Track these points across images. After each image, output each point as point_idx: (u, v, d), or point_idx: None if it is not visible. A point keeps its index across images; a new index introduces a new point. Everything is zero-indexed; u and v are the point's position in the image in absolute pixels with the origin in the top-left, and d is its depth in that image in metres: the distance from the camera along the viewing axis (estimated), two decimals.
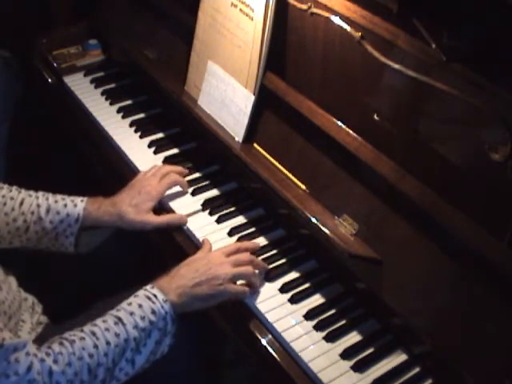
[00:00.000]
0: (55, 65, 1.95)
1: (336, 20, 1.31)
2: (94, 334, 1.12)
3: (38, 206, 1.39)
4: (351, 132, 1.29)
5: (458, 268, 1.12)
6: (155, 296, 1.19)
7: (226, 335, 1.36)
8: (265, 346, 1.23)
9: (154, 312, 1.17)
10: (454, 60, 1.13)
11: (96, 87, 1.90)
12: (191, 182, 1.56)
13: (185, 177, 1.57)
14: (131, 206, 1.42)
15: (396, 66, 1.20)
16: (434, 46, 1.15)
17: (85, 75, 1.94)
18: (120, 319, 1.15)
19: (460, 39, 1.16)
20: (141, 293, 1.20)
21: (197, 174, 1.60)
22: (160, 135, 1.73)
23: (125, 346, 1.13)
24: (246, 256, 1.32)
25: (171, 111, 1.76)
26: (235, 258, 1.30)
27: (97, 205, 1.43)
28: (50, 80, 1.95)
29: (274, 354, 1.22)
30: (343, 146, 1.30)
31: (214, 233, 1.44)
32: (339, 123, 1.32)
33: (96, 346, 1.10)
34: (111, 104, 1.83)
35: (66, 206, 1.41)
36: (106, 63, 2.00)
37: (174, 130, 1.75)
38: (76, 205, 1.41)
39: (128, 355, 1.14)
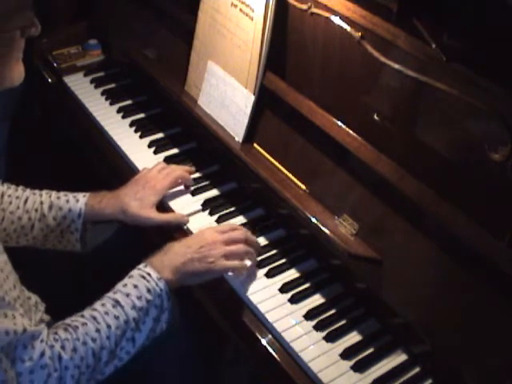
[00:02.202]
0: (55, 65, 1.95)
1: (336, 20, 1.31)
2: (94, 318, 1.16)
3: (42, 203, 1.41)
4: (351, 132, 1.29)
5: (457, 268, 1.12)
6: (149, 275, 1.22)
7: (226, 335, 1.36)
8: (265, 346, 1.23)
9: (149, 291, 1.20)
10: (453, 60, 1.13)
11: (96, 87, 1.90)
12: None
13: None
14: (135, 200, 1.43)
15: (396, 66, 1.20)
16: (434, 45, 1.15)
17: (85, 75, 1.94)
18: (118, 302, 1.18)
19: (460, 39, 1.16)
20: (135, 272, 1.23)
21: (197, 174, 1.60)
22: (160, 135, 1.73)
23: (125, 327, 1.17)
24: (238, 233, 1.34)
25: (171, 111, 1.76)
26: (228, 235, 1.32)
27: (99, 198, 1.44)
28: (50, 80, 1.95)
29: (274, 353, 1.22)
30: (343, 146, 1.30)
31: None
32: (339, 123, 1.32)
33: (98, 331, 1.14)
34: (111, 104, 1.83)
35: (68, 201, 1.42)
36: (105, 63, 2.00)
37: (174, 130, 1.75)
38: (78, 200, 1.43)
39: (128, 335, 1.18)
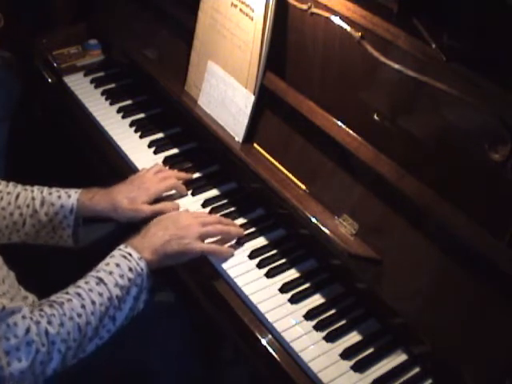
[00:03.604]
0: (55, 65, 1.95)
1: (336, 20, 1.31)
2: (79, 294, 1.18)
3: (33, 198, 1.42)
4: (351, 132, 1.29)
5: (457, 268, 1.12)
6: (130, 254, 1.26)
7: (226, 335, 1.36)
8: (265, 346, 1.23)
9: (131, 269, 1.24)
10: (453, 60, 1.13)
11: (96, 87, 1.90)
12: (191, 182, 1.56)
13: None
14: (127, 198, 1.44)
15: (396, 66, 1.20)
16: (434, 45, 1.15)
17: (85, 75, 1.94)
18: (101, 279, 1.21)
19: (460, 39, 1.16)
20: (116, 253, 1.27)
21: (197, 174, 1.60)
22: (160, 135, 1.73)
23: (108, 305, 1.20)
24: (213, 218, 1.39)
25: (171, 111, 1.76)
26: (202, 219, 1.37)
27: (91, 195, 1.45)
28: (50, 80, 1.95)
29: (274, 353, 1.22)
30: (343, 146, 1.30)
31: None
32: (339, 123, 1.32)
33: (83, 306, 1.17)
34: (111, 104, 1.83)
35: (60, 197, 1.43)
36: (105, 63, 2.00)
37: (174, 130, 1.75)
38: (70, 196, 1.43)
39: (111, 312, 1.21)
